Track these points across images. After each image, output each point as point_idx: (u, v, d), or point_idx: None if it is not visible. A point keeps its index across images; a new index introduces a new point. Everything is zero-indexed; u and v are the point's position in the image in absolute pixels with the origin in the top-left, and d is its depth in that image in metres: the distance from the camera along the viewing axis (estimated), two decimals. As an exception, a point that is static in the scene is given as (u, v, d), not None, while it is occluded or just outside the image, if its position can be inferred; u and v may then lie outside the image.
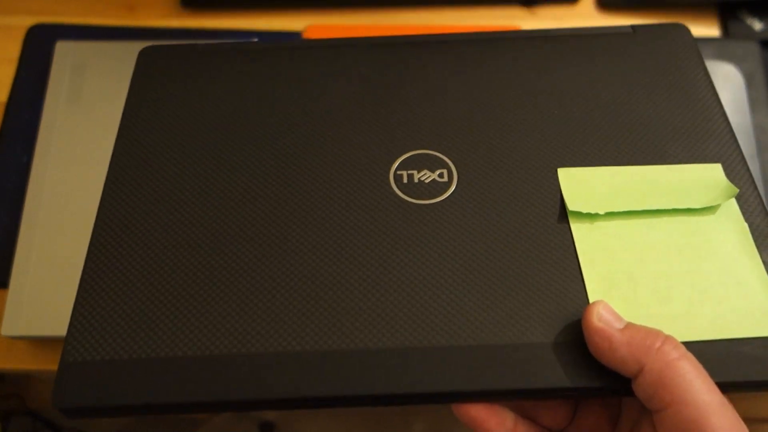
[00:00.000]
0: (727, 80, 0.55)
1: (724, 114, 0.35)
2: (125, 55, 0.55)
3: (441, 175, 0.33)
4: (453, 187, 0.32)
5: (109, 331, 0.28)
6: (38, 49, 0.57)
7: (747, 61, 0.56)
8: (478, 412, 0.28)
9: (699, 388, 0.24)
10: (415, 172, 0.33)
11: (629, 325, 0.26)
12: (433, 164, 0.33)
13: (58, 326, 0.45)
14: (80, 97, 0.53)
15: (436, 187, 0.32)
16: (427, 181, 0.32)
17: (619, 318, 0.27)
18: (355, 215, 0.31)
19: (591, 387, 0.27)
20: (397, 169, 0.33)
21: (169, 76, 0.37)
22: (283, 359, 0.28)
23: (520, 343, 0.28)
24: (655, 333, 0.26)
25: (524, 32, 0.40)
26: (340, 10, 0.60)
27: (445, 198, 0.32)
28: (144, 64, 0.38)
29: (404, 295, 0.29)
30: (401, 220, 0.31)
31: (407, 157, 0.33)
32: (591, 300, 0.29)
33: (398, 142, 0.34)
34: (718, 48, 0.56)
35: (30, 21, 0.58)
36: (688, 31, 0.39)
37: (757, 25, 0.59)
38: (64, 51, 0.55)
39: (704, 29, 0.59)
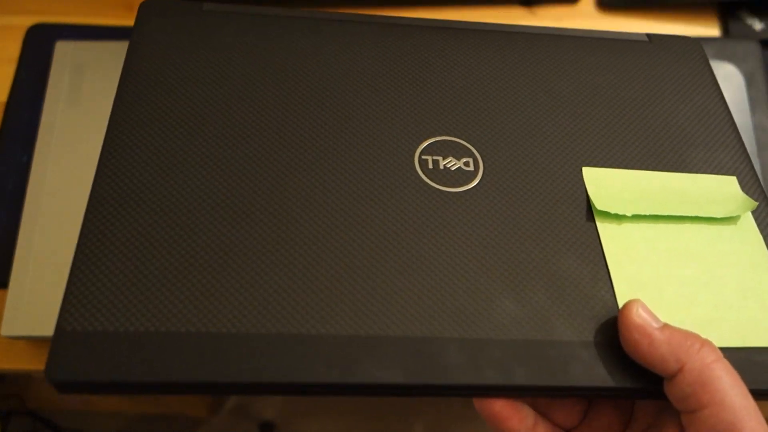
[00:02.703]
0: (727, 80, 0.55)
1: (736, 128, 0.36)
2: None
3: (467, 164, 0.32)
4: (479, 177, 0.32)
5: (111, 299, 0.26)
6: (38, 49, 0.56)
7: (747, 61, 0.56)
8: (501, 407, 0.28)
9: (737, 392, 0.25)
10: (440, 158, 0.32)
11: (667, 325, 0.27)
12: (458, 152, 0.33)
13: (58, 326, 0.45)
14: (80, 97, 0.53)
15: (462, 176, 0.32)
16: (452, 168, 0.32)
17: (656, 318, 0.27)
18: (379, 196, 0.30)
19: (622, 387, 0.27)
20: (422, 153, 0.32)
21: (173, 36, 0.34)
22: (296, 342, 0.26)
23: (550, 339, 0.28)
24: (694, 335, 0.26)
25: (555, 29, 0.40)
26: (340, 10, 0.60)
27: (472, 187, 0.32)
28: (145, 19, 0.35)
29: (427, 282, 0.28)
30: (426, 205, 0.31)
31: (432, 143, 0.33)
32: (619, 301, 0.29)
33: (423, 126, 0.33)
34: (718, 48, 0.56)
35: (30, 21, 0.58)
36: (700, 46, 0.40)
37: (757, 25, 0.59)
38: (64, 51, 0.55)
39: (704, 29, 0.59)
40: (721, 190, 0.33)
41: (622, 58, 0.38)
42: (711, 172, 0.34)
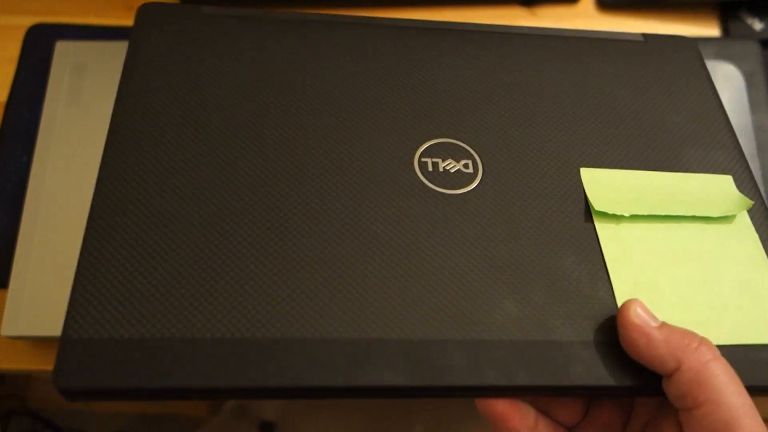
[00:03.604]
0: (727, 80, 0.55)
1: (731, 127, 0.36)
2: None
3: (466, 166, 0.32)
4: (479, 179, 0.32)
5: (116, 306, 0.26)
6: (38, 49, 0.56)
7: (747, 61, 0.56)
8: (503, 407, 0.28)
9: (733, 390, 0.25)
10: (439, 160, 0.33)
11: (665, 324, 0.27)
12: (457, 154, 0.33)
13: (58, 326, 0.45)
14: (80, 97, 0.53)
15: (462, 178, 0.32)
16: (452, 170, 0.32)
17: (654, 317, 0.27)
18: (379, 200, 0.31)
19: (622, 386, 0.27)
20: (422, 156, 0.33)
21: (171, 40, 0.34)
22: (299, 346, 0.26)
23: (550, 340, 0.28)
24: (692, 334, 0.26)
25: (550, 30, 0.40)
26: (340, 10, 0.60)
27: (471, 189, 0.32)
28: (143, 22, 0.35)
29: (428, 284, 0.28)
30: (426, 207, 0.31)
31: (431, 145, 0.33)
32: (618, 301, 0.29)
33: (423, 128, 0.34)
34: (718, 48, 0.56)
35: (30, 21, 0.58)
36: (696, 45, 0.40)
37: (757, 25, 0.58)
38: (64, 51, 0.55)
39: (704, 29, 0.59)
40: (717, 190, 0.33)
41: (618, 58, 0.38)
42: (706, 172, 0.34)
